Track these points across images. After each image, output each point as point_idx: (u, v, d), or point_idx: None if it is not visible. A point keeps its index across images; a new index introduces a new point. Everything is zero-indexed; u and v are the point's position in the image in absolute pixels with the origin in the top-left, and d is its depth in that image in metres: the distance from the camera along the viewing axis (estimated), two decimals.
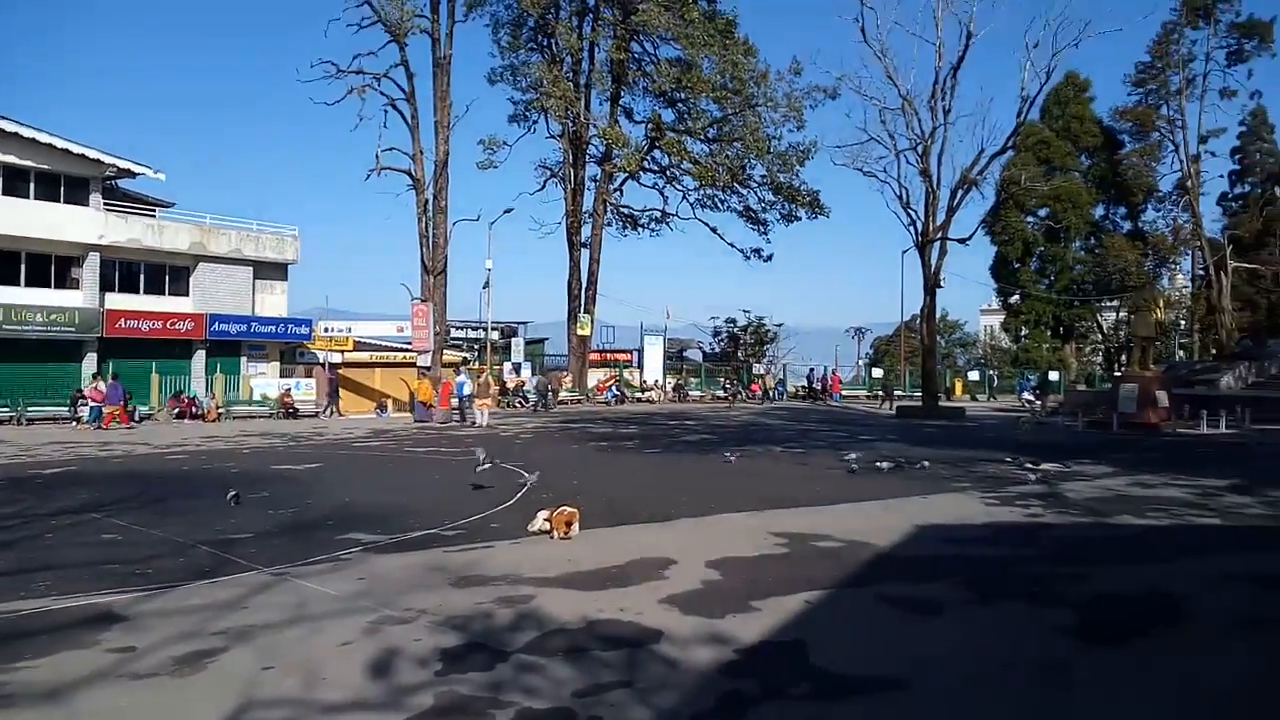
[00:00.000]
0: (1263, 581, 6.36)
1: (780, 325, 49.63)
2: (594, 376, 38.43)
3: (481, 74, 32.53)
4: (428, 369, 30.31)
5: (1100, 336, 57.44)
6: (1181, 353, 55.22)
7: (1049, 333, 53.82)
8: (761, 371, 45.27)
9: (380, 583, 5.95)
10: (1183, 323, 56.09)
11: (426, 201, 33.42)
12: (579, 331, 37.50)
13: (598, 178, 36.85)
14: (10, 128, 28.53)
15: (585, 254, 37.28)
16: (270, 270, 34.63)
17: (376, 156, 32.35)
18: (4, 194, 28.99)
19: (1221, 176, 54.98)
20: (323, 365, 31.70)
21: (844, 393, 43.93)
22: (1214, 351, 46.81)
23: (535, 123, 36.14)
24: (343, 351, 32.97)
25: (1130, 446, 18.26)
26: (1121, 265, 50.73)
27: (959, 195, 42.14)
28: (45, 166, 29.73)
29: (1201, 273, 51.86)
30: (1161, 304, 48.54)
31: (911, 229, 42.80)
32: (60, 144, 29.51)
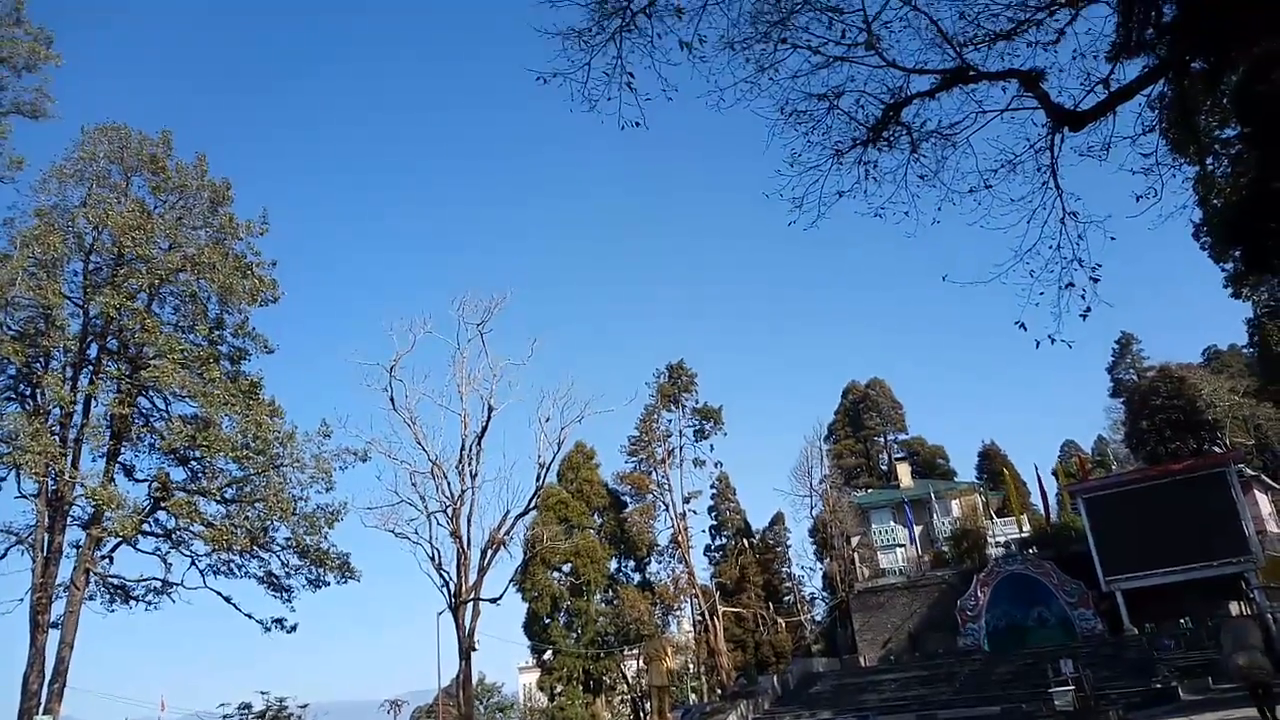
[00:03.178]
0: None
1: (305, 706, 44.44)
2: None
3: None
4: None
5: (626, 687, 60.35)
6: (694, 695, 60.06)
7: (580, 688, 55.23)
8: None
9: None
10: (691, 665, 61.60)
11: None
12: None
13: (81, 544, 31.50)
14: None
15: (54, 636, 30.57)
16: None
17: None
18: None
19: (704, 531, 64.49)
20: None
21: None
22: (719, 691, 51.69)
23: (2, 480, 30.54)
24: None
25: None
26: (636, 615, 55.21)
27: (489, 555, 43.83)
28: None
29: (699, 618, 58.48)
30: (669, 652, 53.24)
31: (445, 590, 42.90)
32: None
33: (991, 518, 52.86)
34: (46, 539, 30.44)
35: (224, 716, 41.99)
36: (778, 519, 68.24)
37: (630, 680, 59.08)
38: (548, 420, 44.99)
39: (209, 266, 32.39)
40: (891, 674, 41.27)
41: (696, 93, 10.86)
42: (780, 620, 60.71)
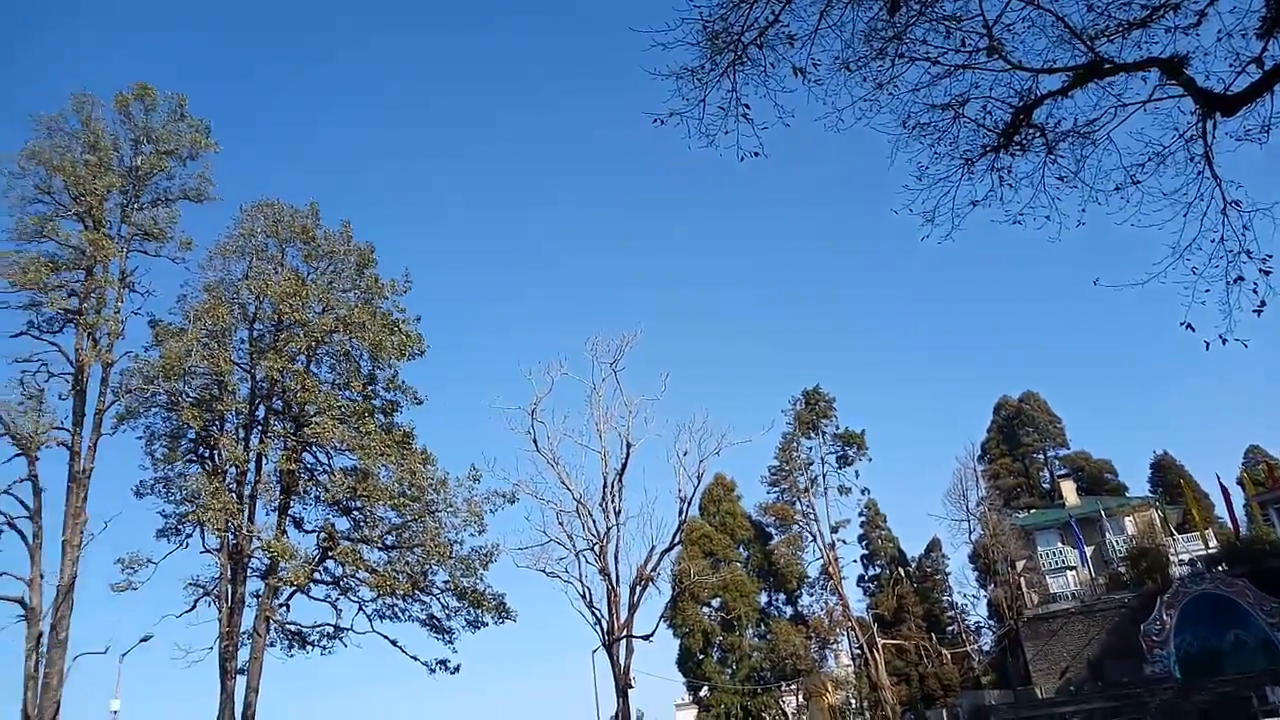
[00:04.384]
0: None
1: None
2: None
3: (128, 486, 30.61)
4: None
5: None
6: None
7: None
8: None
9: None
10: (853, 701, 59.46)
11: (40, 635, 28.23)
12: None
13: (260, 593, 33.68)
14: None
15: (241, 682, 32.68)
16: None
17: None
18: None
19: (855, 561, 62.50)
20: None
21: None
22: None
23: (189, 536, 33.16)
24: None
25: None
26: (791, 650, 53.94)
27: (638, 591, 43.92)
28: None
29: (858, 651, 56.49)
30: (830, 687, 51.58)
31: (598, 627, 43.21)
32: None
33: (1172, 534, 48.91)
34: (230, 590, 32.70)
35: None
36: (933, 545, 65.45)
37: (790, 717, 57.62)
38: (685, 454, 44.94)
39: (359, 326, 34.34)
40: (1072, 705, 38.57)
41: (815, 115, 10.69)
42: (945, 651, 57.86)
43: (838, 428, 60.35)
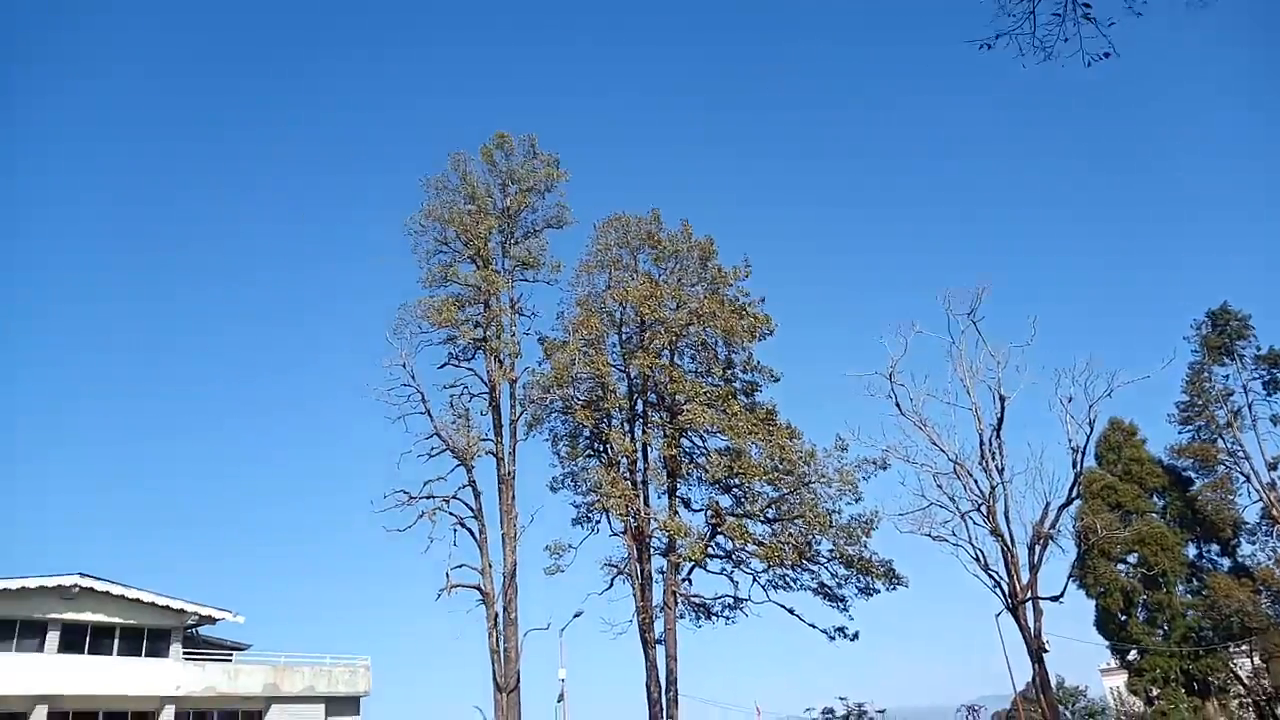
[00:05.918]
0: None
1: (883, 711, 45.53)
2: None
3: (543, 484, 35.46)
4: None
5: (1243, 689, 51.41)
6: None
7: (1182, 690, 48.40)
8: None
9: None
10: None
11: (496, 615, 33.37)
12: None
13: (664, 570, 36.77)
14: (102, 587, 30.03)
15: (660, 651, 35.88)
16: (342, 706, 33.76)
17: (446, 575, 33.06)
18: (89, 652, 29.63)
19: None
20: None
21: None
22: None
23: (598, 523, 37.25)
24: None
25: None
26: (1236, 606, 47.05)
27: (1037, 551, 40.99)
28: (131, 622, 30.72)
29: None
30: None
31: (998, 591, 41.02)
32: (147, 598, 30.78)
33: None
34: (638, 568, 36.12)
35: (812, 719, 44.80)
36: None
37: (1246, 681, 50.22)
38: (1070, 400, 41.18)
39: (710, 315, 36.28)
40: None
41: None
42: None
43: (1259, 349, 51.70)
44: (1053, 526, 41.93)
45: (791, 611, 37.48)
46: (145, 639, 31.00)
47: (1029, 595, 40.07)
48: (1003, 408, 41.54)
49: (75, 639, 29.55)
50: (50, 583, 28.98)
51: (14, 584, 28.11)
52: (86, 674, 28.85)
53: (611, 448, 36.48)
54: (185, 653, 31.74)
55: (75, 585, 29.25)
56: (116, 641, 30.42)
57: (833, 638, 37.94)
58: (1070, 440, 41.19)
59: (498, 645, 33.18)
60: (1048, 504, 40.83)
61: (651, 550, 36.84)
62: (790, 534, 36.64)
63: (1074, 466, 41.28)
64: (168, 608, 31.09)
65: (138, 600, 30.51)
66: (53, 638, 29.04)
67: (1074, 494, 43.43)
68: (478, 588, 33.67)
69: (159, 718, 29.90)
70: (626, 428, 37.49)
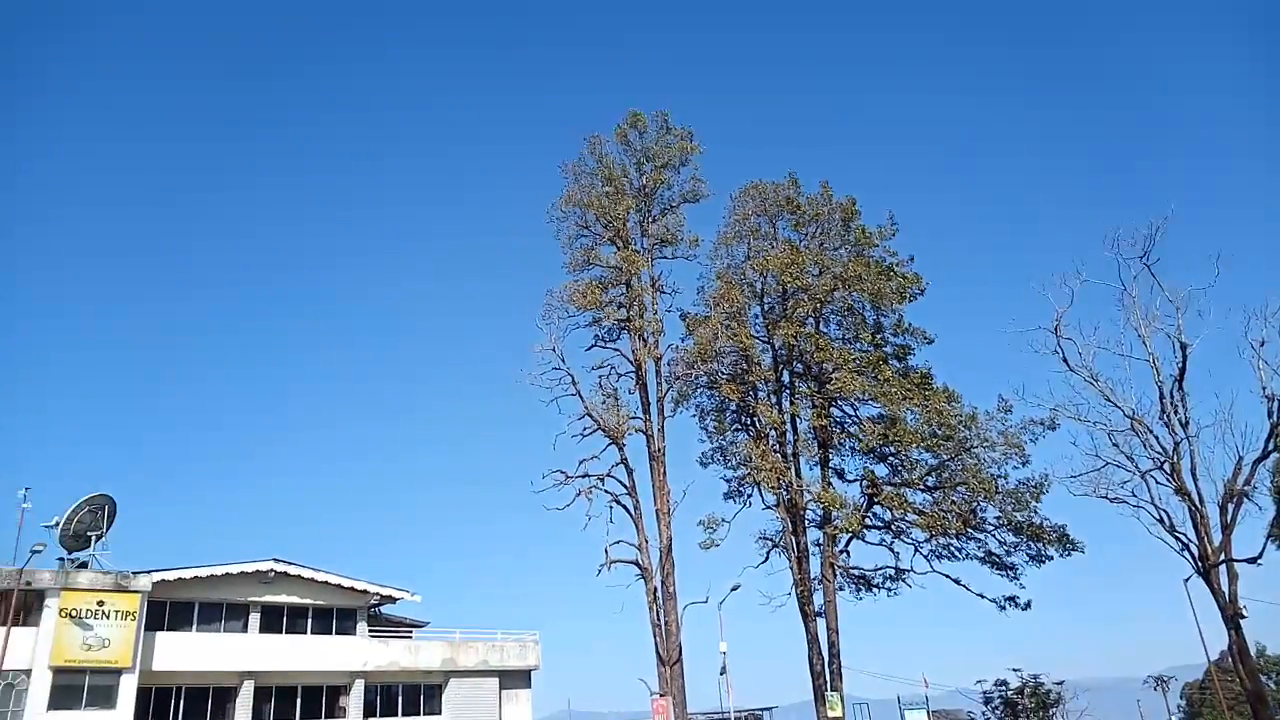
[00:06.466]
0: None
1: (1061, 683, 43.46)
2: None
3: (693, 459, 35.63)
4: None
5: None
6: None
7: None
8: None
9: None
10: None
11: (655, 589, 33.86)
12: (829, 713, 34.36)
13: (820, 542, 36.24)
14: (295, 571, 32.41)
15: (821, 624, 35.48)
16: (514, 679, 35.21)
17: (605, 552, 33.80)
18: (286, 632, 32.14)
19: None
20: None
21: None
22: None
23: (750, 497, 37.03)
24: None
25: None
26: None
27: (1229, 510, 37.74)
28: (321, 602, 33.06)
29: None
30: None
31: (1186, 554, 38.10)
32: (335, 580, 32.99)
33: None
34: (794, 541, 35.77)
35: (983, 692, 43.39)
36: None
37: None
38: (1263, 344, 37.45)
39: (856, 279, 35.16)
40: None
41: None
42: None
43: None
44: (1247, 483, 38.35)
45: (958, 582, 36.24)
46: (334, 618, 33.32)
47: (1222, 558, 36.93)
48: (1184, 356, 38.19)
49: (273, 619, 32.10)
50: (250, 568, 31.53)
51: (219, 570, 30.75)
52: (285, 652, 31.33)
53: (759, 420, 36.13)
54: (370, 630, 33.92)
55: (271, 570, 31.71)
56: (310, 621, 32.83)
57: (1003, 607, 36.44)
58: (1264, 388, 37.47)
59: (658, 619, 33.69)
60: (1240, 459, 37.30)
61: (807, 523, 36.37)
62: (953, 502, 35.29)
63: (1269, 416, 37.44)
64: (353, 589, 33.23)
65: (326, 582, 32.75)
66: (254, 619, 31.65)
67: (1271, 446, 39.62)
68: (635, 563, 34.24)
69: (350, 691, 32.15)
70: (774, 399, 37.00)
